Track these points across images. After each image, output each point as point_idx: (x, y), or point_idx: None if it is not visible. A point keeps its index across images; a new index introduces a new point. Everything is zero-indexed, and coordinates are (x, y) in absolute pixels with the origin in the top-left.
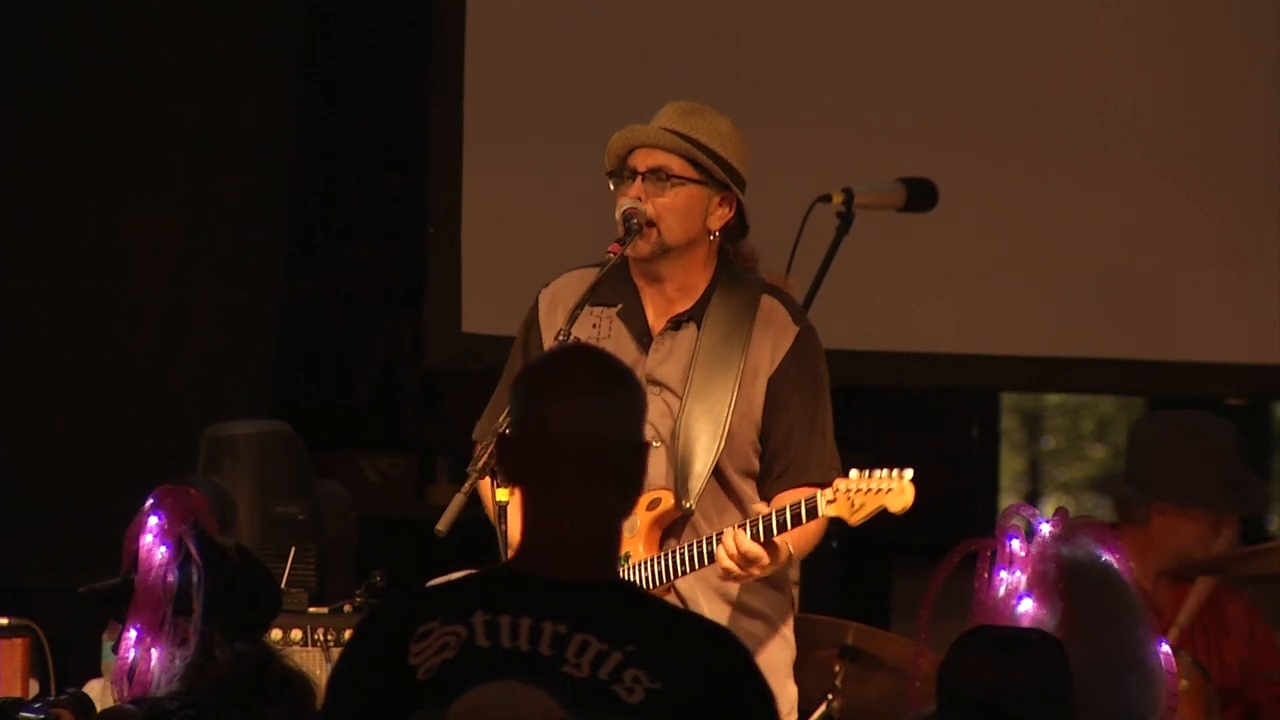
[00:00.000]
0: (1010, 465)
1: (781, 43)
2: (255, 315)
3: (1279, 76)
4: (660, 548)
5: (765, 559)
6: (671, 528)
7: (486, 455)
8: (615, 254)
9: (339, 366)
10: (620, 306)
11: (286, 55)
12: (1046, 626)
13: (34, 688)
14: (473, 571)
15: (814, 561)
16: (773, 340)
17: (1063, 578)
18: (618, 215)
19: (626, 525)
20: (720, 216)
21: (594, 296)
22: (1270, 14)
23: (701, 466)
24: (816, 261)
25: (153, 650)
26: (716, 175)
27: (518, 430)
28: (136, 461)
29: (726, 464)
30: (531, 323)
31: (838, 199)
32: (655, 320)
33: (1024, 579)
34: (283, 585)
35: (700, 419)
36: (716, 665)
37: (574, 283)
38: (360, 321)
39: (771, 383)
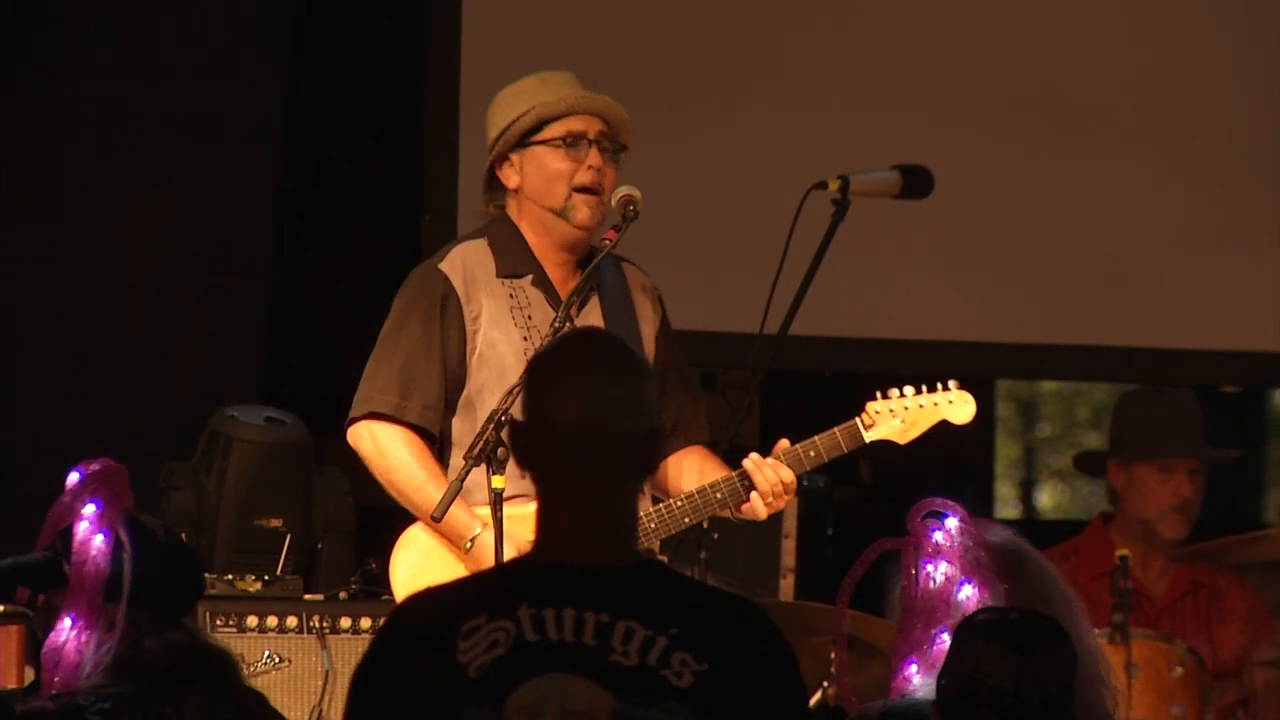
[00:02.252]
0: (1005, 452)
1: (777, 29)
2: (248, 301)
3: (1275, 60)
4: None
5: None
6: None
7: (482, 443)
8: (611, 241)
9: (332, 352)
10: (531, 277)
11: (279, 40)
12: None
13: (29, 675)
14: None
15: (808, 548)
16: (649, 301)
17: (997, 562)
18: (614, 199)
19: None
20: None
21: (501, 269)
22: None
23: None
24: (811, 249)
25: (82, 637)
26: (628, 147)
27: (529, 419)
28: (129, 448)
29: None
30: (447, 295)
31: (833, 186)
32: (561, 288)
33: (956, 568)
34: (278, 573)
35: None
36: (753, 640)
37: (474, 254)
38: (353, 307)
39: (658, 341)
